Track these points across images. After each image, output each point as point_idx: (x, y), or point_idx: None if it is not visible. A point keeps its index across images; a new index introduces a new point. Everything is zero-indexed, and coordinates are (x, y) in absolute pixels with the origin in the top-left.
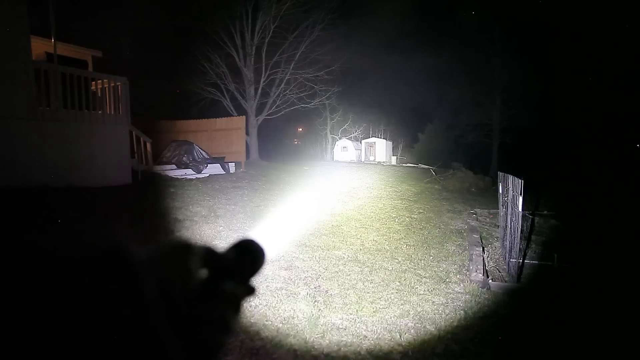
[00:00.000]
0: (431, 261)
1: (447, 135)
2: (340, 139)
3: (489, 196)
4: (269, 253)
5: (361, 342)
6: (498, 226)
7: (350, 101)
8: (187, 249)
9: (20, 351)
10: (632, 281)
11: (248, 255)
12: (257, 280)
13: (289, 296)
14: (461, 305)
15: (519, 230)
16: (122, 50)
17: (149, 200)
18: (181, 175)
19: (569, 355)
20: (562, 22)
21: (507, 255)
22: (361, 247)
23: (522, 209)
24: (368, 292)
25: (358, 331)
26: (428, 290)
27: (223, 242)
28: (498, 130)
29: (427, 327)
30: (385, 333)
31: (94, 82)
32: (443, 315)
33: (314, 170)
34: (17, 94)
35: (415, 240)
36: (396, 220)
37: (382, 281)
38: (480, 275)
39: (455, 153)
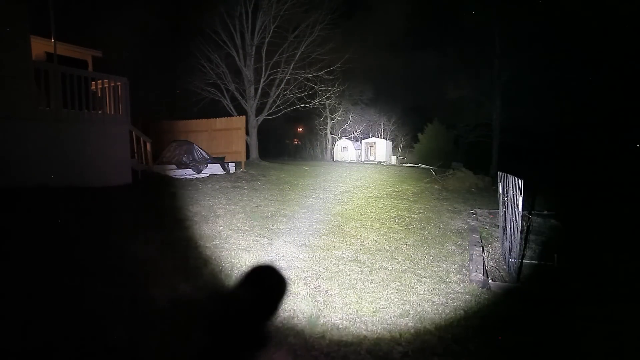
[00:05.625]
0: (431, 261)
1: (447, 135)
2: (340, 139)
3: (489, 196)
4: (270, 253)
5: (361, 342)
6: (498, 226)
7: (350, 101)
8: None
9: None
10: (632, 281)
11: (265, 290)
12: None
13: (289, 296)
14: (461, 305)
15: (519, 230)
16: (122, 50)
17: (149, 201)
18: (181, 175)
19: (569, 355)
20: (562, 21)
21: (507, 255)
22: (361, 247)
23: (522, 209)
24: (368, 292)
25: (358, 331)
26: (428, 290)
27: (223, 242)
28: (498, 130)
29: (427, 327)
30: (385, 333)
31: (94, 82)
32: (443, 315)
33: (314, 170)
34: (17, 94)
35: (415, 240)
36: (396, 220)
37: (382, 281)
38: (480, 275)
39: (455, 153)
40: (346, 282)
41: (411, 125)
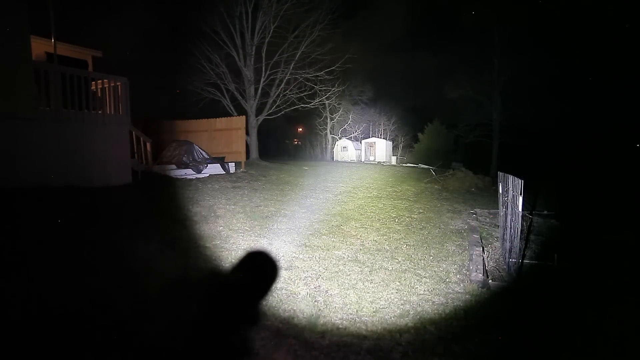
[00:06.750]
0: (431, 261)
1: (447, 135)
2: (340, 139)
3: (489, 196)
4: (270, 254)
5: (361, 342)
6: (498, 226)
7: (350, 101)
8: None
9: None
10: (632, 281)
11: (258, 273)
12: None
13: (289, 296)
14: (461, 305)
15: (519, 230)
16: (122, 50)
17: (149, 200)
18: (181, 175)
19: (569, 355)
20: (562, 22)
21: (507, 255)
22: (361, 247)
23: (522, 209)
24: (368, 292)
25: (358, 331)
26: (428, 290)
27: (223, 242)
28: (498, 130)
29: (427, 327)
30: (385, 333)
31: (94, 82)
32: (443, 316)
33: (314, 170)
34: (17, 94)
35: (415, 240)
36: (396, 220)
37: (382, 281)
38: (480, 275)
39: (455, 153)
40: (346, 282)
41: (411, 125)
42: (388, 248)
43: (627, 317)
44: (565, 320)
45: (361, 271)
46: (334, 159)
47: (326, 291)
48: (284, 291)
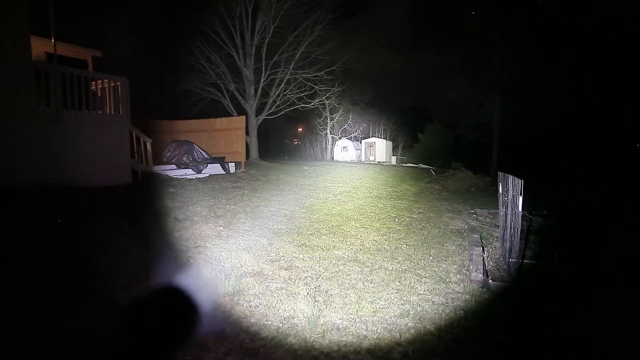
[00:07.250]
0: (431, 261)
1: (447, 135)
2: (340, 139)
3: (489, 196)
4: (270, 253)
5: (361, 342)
6: (498, 226)
7: (350, 101)
8: None
9: None
10: (632, 280)
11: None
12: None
13: (289, 296)
14: (461, 305)
15: (519, 230)
16: (122, 50)
17: (149, 200)
18: (181, 175)
19: (569, 355)
20: (563, 21)
21: (507, 255)
22: (361, 247)
23: (522, 209)
24: (368, 292)
25: (358, 331)
26: (428, 290)
27: (223, 242)
28: (498, 130)
29: (427, 327)
30: (385, 333)
31: (94, 82)
32: (443, 315)
33: (314, 170)
34: (17, 94)
35: (415, 240)
36: (396, 220)
37: (382, 281)
38: (480, 275)
39: (455, 153)
40: (346, 282)
41: (411, 125)
42: (388, 248)
43: (628, 316)
44: (566, 320)
45: (361, 271)
46: (334, 159)
47: (326, 291)
48: (284, 291)
